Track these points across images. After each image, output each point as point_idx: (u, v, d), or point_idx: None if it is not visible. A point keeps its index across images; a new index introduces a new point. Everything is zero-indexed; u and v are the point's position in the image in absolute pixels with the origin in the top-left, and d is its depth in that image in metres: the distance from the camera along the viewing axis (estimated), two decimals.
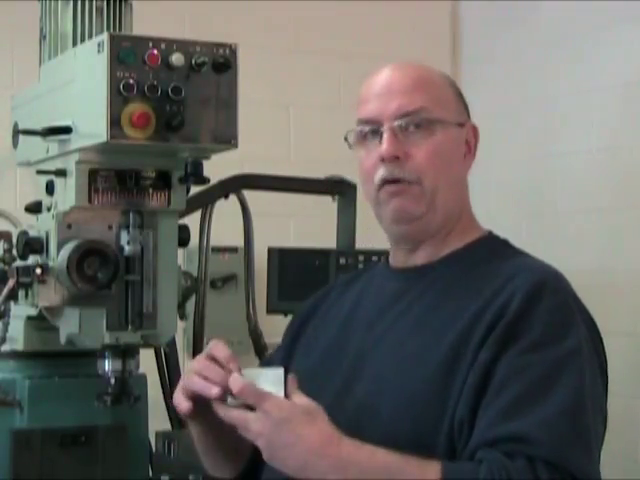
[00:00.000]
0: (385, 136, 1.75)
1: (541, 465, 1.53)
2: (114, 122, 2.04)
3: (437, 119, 1.77)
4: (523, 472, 1.53)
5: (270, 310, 3.53)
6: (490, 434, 1.57)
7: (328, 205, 3.63)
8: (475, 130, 1.86)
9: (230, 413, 1.62)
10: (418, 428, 1.64)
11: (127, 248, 2.22)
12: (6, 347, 2.35)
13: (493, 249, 1.83)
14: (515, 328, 1.63)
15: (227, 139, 2.15)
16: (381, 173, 1.77)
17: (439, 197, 1.77)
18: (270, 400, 1.59)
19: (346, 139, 1.83)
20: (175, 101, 2.08)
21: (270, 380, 1.64)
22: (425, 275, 1.81)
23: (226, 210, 3.30)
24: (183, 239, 2.32)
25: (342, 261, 3.52)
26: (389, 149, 1.75)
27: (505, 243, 1.87)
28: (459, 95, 1.85)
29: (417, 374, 1.67)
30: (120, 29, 2.32)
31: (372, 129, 1.78)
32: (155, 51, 2.06)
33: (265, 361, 2.17)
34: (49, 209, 2.28)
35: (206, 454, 1.92)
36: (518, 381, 1.60)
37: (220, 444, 1.86)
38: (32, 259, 2.26)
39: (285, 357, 1.96)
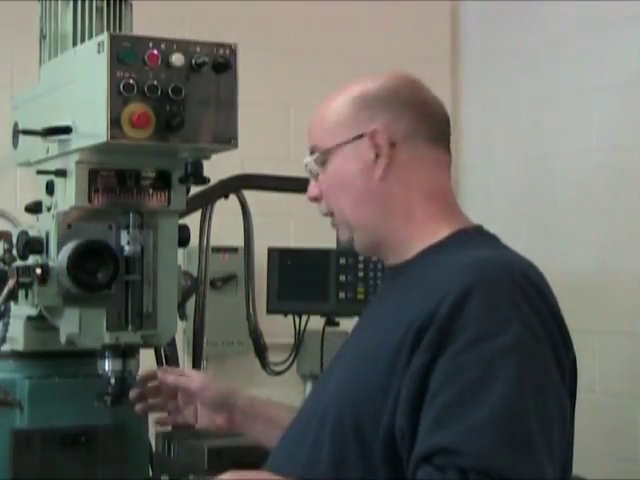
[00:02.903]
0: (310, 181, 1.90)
1: (473, 475, 1.49)
2: (114, 122, 2.04)
3: (325, 150, 1.85)
4: None
5: (270, 310, 3.54)
6: (424, 446, 1.54)
7: None
8: (379, 131, 1.79)
9: None
10: (359, 432, 1.65)
11: (127, 248, 2.22)
12: (6, 347, 2.35)
13: (464, 243, 1.78)
14: (445, 332, 1.59)
15: (227, 139, 2.15)
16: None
17: (350, 218, 1.83)
18: None
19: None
20: (175, 101, 2.08)
21: None
22: (401, 272, 1.82)
23: (226, 210, 3.30)
24: (183, 239, 2.32)
25: (342, 261, 3.53)
26: (308, 194, 1.91)
27: (481, 235, 1.82)
28: (360, 104, 1.81)
29: (365, 375, 1.69)
30: (120, 29, 2.32)
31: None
32: (155, 51, 2.06)
33: None
34: (49, 209, 2.28)
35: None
36: (449, 387, 1.56)
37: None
38: (32, 259, 2.26)
39: None
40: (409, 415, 1.59)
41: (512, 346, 1.57)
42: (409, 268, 1.80)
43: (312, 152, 1.89)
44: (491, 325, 1.59)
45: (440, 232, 1.80)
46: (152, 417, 2.48)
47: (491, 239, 1.83)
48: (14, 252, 2.30)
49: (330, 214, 1.88)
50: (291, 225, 4.31)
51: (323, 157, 1.86)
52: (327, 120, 1.86)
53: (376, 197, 1.82)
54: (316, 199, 1.90)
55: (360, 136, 1.81)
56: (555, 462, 1.59)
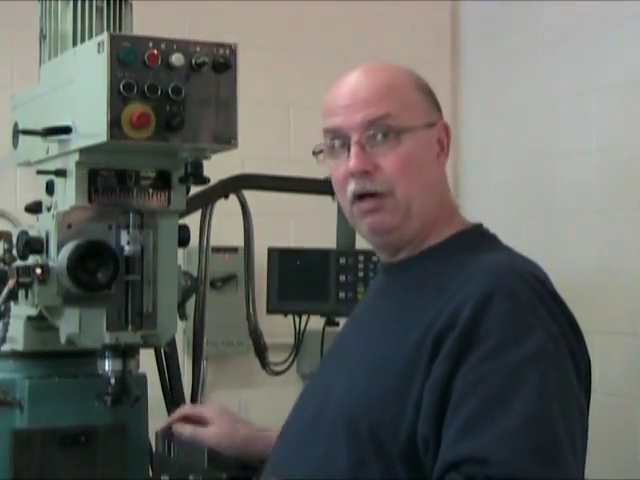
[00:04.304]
0: (353, 151, 1.74)
1: None
2: (114, 122, 2.04)
3: (404, 127, 1.74)
4: None
5: (270, 310, 3.54)
6: (451, 455, 1.53)
7: (328, 205, 3.62)
8: (446, 127, 1.82)
9: None
10: (377, 437, 1.63)
11: (127, 248, 2.22)
12: (6, 347, 2.35)
13: (471, 243, 1.79)
14: (467, 339, 1.58)
15: (227, 139, 2.15)
16: (352, 187, 1.76)
17: (414, 206, 1.75)
18: None
19: (314, 153, 1.83)
20: (175, 101, 2.08)
21: None
22: (405, 270, 1.80)
23: (226, 210, 3.30)
24: (183, 239, 2.32)
25: (342, 261, 3.53)
26: (357, 165, 1.73)
27: (486, 236, 1.83)
28: (427, 94, 1.81)
29: (379, 380, 1.66)
30: (120, 29, 2.32)
31: (340, 142, 1.77)
32: (155, 51, 2.06)
33: None
34: (49, 209, 2.28)
35: None
36: (475, 395, 1.55)
37: None
38: (32, 259, 2.26)
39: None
40: (433, 424, 1.57)
41: (535, 353, 1.57)
42: (413, 265, 1.79)
43: (372, 121, 1.74)
44: (513, 332, 1.58)
45: (443, 232, 1.80)
46: (152, 417, 2.48)
47: (493, 239, 1.83)
48: (14, 252, 2.30)
49: (380, 194, 1.75)
50: (291, 225, 4.31)
51: (396, 132, 1.74)
52: (402, 95, 1.77)
53: (437, 190, 1.81)
54: (367, 173, 1.74)
55: (431, 125, 1.79)
56: (580, 468, 1.60)
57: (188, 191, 2.31)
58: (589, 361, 1.71)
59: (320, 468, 1.68)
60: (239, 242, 3.37)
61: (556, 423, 1.54)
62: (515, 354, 1.56)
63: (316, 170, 3.58)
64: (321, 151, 1.82)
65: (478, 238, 1.81)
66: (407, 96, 1.77)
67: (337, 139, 1.78)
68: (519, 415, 1.52)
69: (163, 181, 2.26)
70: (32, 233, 2.28)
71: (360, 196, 1.76)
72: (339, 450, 1.67)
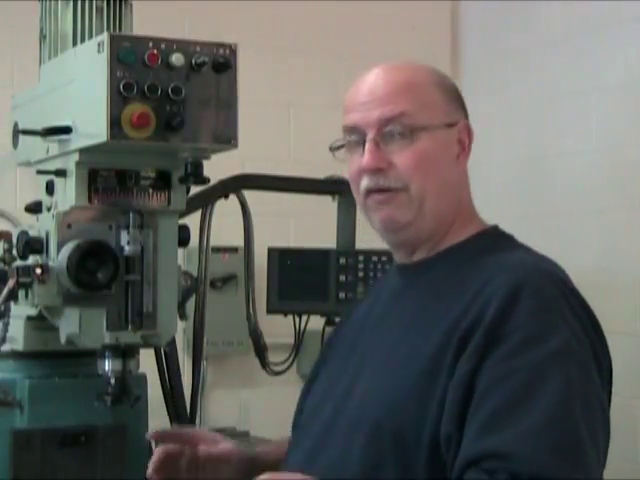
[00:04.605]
0: (367, 147, 1.73)
1: None
2: (114, 122, 2.04)
3: (420, 125, 1.73)
4: None
5: (270, 310, 3.53)
6: (473, 451, 1.53)
7: (328, 205, 3.63)
8: (469, 128, 1.82)
9: None
10: (400, 437, 1.62)
11: (127, 248, 2.22)
12: (6, 347, 2.35)
13: (490, 244, 1.79)
14: (493, 336, 1.58)
15: (227, 139, 2.15)
16: (365, 183, 1.75)
17: (427, 203, 1.74)
18: None
19: (331, 149, 1.81)
20: (175, 101, 2.08)
21: None
22: (424, 271, 1.79)
23: (226, 210, 3.30)
24: (183, 239, 2.32)
25: (342, 261, 3.52)
26: (369, 162, 1.73)
27: (505, 237, 1.83)
28: (450, 94, 1.80)
29: (404, 380, 1.65)
30: (120, 29, 2.32)
31: (356, 139, 1.77)
32: (155, 51, 2.06)
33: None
34: (49, 209, 2.28)
35: None
36: (498, 391, 1.54)
37: None
38: (32, 259, 2.27)
39: (317, 365, 1.95)
40: (457, 422, 1.57)
41: (560, 351, 1.57)
42: (432, 266, 1.78)
43: (388, 119, 1.73)
44: (539, 329, 1.59)
45: (462, 232, 1.80)
46: (152, 417, 2.48)
47: (512, 240, 1.83)
48: (14, 252, 2.30)
49: (394, 189, 1.74)
50: (291, 225, 4.31)
51: (412, 130, 1.73)
52: (422, 93, 1.76)
53: (454, 190, 1.80)
54: (379, 170, 1.74)
55: (451, 125, 1.78)
56: (601, 468, 1.59)
57: (188, 191, 2.31)
58: (610, 361, 1.72)
59: (334, 468, 1.67)
60: (239, 242, 3.37)
61: (579, 421, 1.54)
62: (540, 351, 1.56)
63: (316, 170, 3.61)
64: (339, 147, 1.81)
65: (497, 238, 1.81)
66: (425, 94, 1.76)
67: (354, 135, 1.77)
68: (543, 412, 1.52)
69: (163, 181, 2.26)
70: (32, 233, 2.28)
71: (374, 192, 1.75)
72: (354, 450, 1.66)
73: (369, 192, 1.75)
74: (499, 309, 1.60)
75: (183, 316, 2.43)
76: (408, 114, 1.73)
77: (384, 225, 1.77)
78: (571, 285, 1.70)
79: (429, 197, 1.74)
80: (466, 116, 1.83)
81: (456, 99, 1.82)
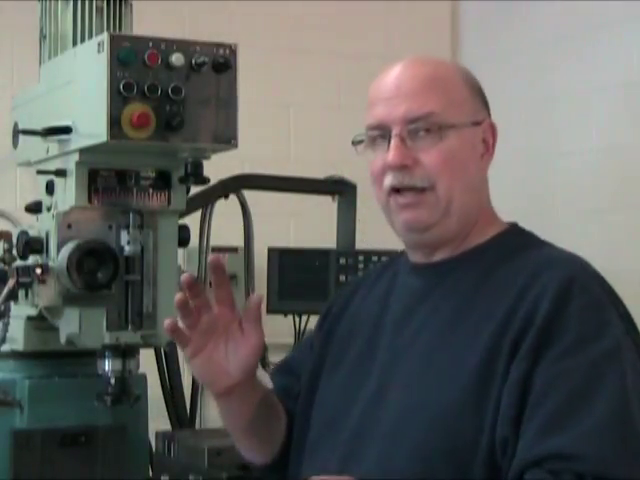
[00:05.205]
0: (392, 143, 1.68)
1: None
2: (114, 122, 2.04)
3: (449, 124, 1.68)
4: None
5: (270, 310, 3.54)
6: (534, 452, 1.50)
7: (328, 205, 3.63)
8: (493, 127, 1.76)
9: None
10: (454, 442, 1.57)
11: (127, 248, 2.22)
12: (6, 347, 2.35)
13: (518, 241, 1.75)
14: (547, 334, 1.55)
15: (227, 139, 2.15)
16: (389, 180, 1.70)
17: (455, 203, 1.69)
18: None
19: (354, 142, 1.75)
20: (175, 101, 2.07)
21: None
22: (450, 271, 1.73)
23: (226, 210, 3.30)
24: (183, 239, 2.32)
25: (342, 261, 3.53)
26: (395, 158, 1.67)
27: (529, 234, 1.79)
28: (476, 91, 1.75)
29: (451, 384, 1.60)
30: (120, 29, 2.32)
31: (380, 134, 1.71)
32: (155, 51, 2.06)
33: (292, 359, 2.06)
34: (49, 209, 2.28)
35: (235, 436, 1.89)
36: (556, 392, 1.52)
37: (253, 427, 1.84)
38: (32, 259, 2.26)
39: (317, 362, 1.88)
40: (513, 425, 1.54)
41: (613, 350, 1.56)
42: (460, 265, 1.73)
43: (416, 116, 1.68)
44: (592, 328, 1.57)
45: (486, 232, 1.76)
46: (152, 417, 2.48)
47: (535, 237, 1.80)
48: (14, 252, 2.30)
49: (420, 188, 1.69)
50: (291, 225, 4.31)
51: (439, 128, 1.68)
52: (449, 90, 1.71)
53: (478, 190, 1.76)
54: (405, 167, 1.68)
55: (477, 123, 1.73)
56: None
57: (188, 191, 2.31)
58: None
59: (376, 474, 1.62)
60: (239, 242, 3.38)
61: (636, 421, 1.53)
62: (594, 351, 1.54)
63: (316, 170, 3.61)
64: (361, 141, 1.75)
65: (523, 236, 1.78)
66: (453, 91, 1.72)
67: (378, 130, 1.72)
68: (603, 412, 1.50)
69: (163, 181, 2.25)
70: (32, 233, 2.28)
71: (398, 189, 1.70)
72: (397, 463, 1.61)
73: (391, 191, 1.70)
74: (551, 308, 1.57)
75: None
76: (436, 112, 1.68)
77: (407, 226, 1.72)
78: (607, 281, 1.69)
79: (456, 197, 1.69)
80: (489, 114, 1.78)
81: (481, 96, 1.77)
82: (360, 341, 1.81)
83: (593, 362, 1.54)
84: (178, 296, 1.72)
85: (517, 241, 1.75)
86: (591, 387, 1.52)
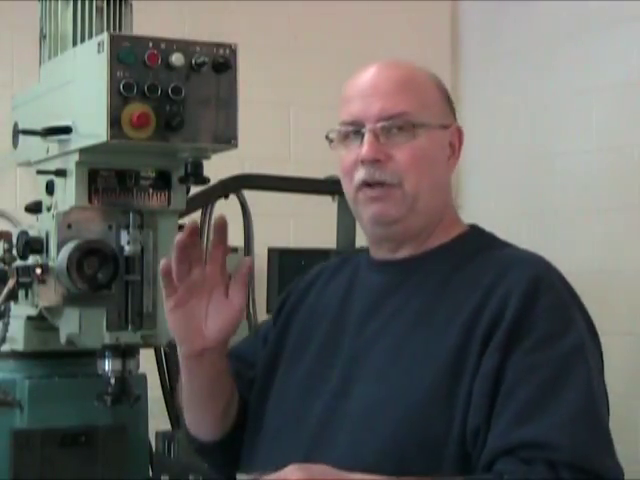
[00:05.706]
0: (366, 138, 1.74)
1: (564, 469, 1.51)
2: (114, 122, 2.04)
3: (420, 123, 1.75)
4: (546, 478, 1.50)
5: (270, 310, 3.53)
6: (506, 441, 1.55)
7: (328, 205, 3.63)
8: (460, 132, 1.84)
9: None
10: (426, 434, 1.61)
11: (127, 248, 2.22)
12: (6, 347, 2.35)
13: (481, 241, 1.82)
14: (517, 330, 1.62)
15: (227, 139, 2.15)
16: (361, 174, 1.76)
17: (420, 201, 1.76)
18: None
19: (327, 137, 1.82)
20: (175, 101, 2.08)
21: None
22: (416, 268, 1.79)
23: (226, 210, 3.29)
24: None
25: None
26: (369, 152, 1.74)
27: (490, 235, 1.86)
28: (445, 96, 1.83)
29: (421, 377, 1.65)
30: (120, 29, 2.32)
31: (354, 130, 1.77)
32: (155, 51, 2.06)
33: (243, 347, 2.07)
34: (49, 209, 2.28)
35: (191, 406, 1.89)
36: (527, 383, 1.58)
37: (212, 397, 1.85)
38: (32, 259, 2.27)
39: (273, 354, 1.92)
40: (485, 414, 1.58)
41: (579, 345, 1.63)
42: (424, 263, 1.79)
43: (390, 114, 1.74)
44: (559, 324, 1.63)
45: (450, 231, 1.82)
46: (152, 417, 2.48)
47: (496, 238, 1.86)
48: (14, 252, 2.30)
49: (388, 185, 1.75)
50: (291, 225, 4.31)
51: (412, 126, 1.75)
52: (422, 92, 1.78)
53: (443, 190, 1.83)
54: (377, 161, 1.74)
55: (446, 127, 1.80)
56: None
57: (188, 191, 2.31)
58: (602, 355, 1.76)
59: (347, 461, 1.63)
60: (239, 242, 3.38)
61: (603, 413, 1.61)
62: (563, 345, 1.61)
63: (316, 170, 3.61)
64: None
65: (485, 236, 1.85)
66: (425, 94, 1.79)
67: (352, 126, 1.78)
68: (573, 403, 1.56)
69: (163, 181, 2.26)
70: (32, 233, 2.28)
71: (368, 184, 1.76)
72: (366, 452, 1.64)
73: (362, 185, 1.76)
74: (520, 305, 1.63)
75: None
76: (409, 111, 1.75)
77: (375, 219, 1.77)
78: (568, 281, 1.75)
79: (422, 195, 1.76)
80: (455, 121, 1.85)
81: (449, 102, 1.85)
82: (320, 335, 1.85)
83: (561, 356, 1.60)
84: (179, 236, 1.76)
85: (480, 241, 1.82)
86: (561, 379, 1.58)
